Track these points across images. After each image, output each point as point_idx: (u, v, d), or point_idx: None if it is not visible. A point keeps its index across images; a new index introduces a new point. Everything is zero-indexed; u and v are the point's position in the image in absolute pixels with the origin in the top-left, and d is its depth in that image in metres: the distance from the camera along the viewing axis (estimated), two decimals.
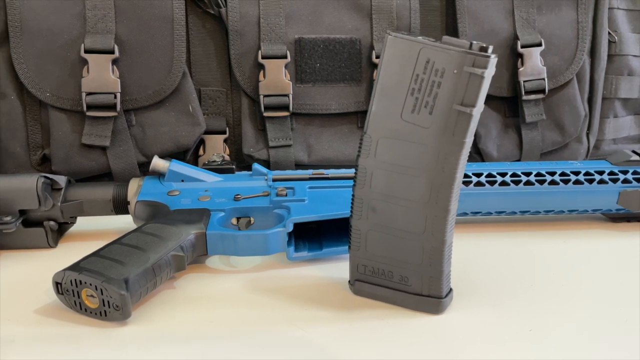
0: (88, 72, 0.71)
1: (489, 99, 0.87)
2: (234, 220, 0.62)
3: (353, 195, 0.52)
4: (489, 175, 0.68)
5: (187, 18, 0.77)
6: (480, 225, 0.71)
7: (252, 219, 0.63)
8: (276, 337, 0.47)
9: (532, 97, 0.85)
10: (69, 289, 0.49)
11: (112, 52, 0.71)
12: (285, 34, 0.77)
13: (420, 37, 0.46)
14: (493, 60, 0.45)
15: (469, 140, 0.47)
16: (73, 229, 0.69)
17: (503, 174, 0.68)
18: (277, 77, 0.77)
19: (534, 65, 0.84)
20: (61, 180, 0.65)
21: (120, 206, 0.65)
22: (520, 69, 0.84)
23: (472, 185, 0.67)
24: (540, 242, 0.66)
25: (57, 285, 0.50)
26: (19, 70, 0.71)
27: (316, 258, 0.60)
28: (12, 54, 0.70)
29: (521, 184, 0.68)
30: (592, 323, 0.49)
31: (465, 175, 0.68)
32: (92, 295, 0.49)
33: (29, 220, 0.63)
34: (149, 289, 0.51)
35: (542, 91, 0.85)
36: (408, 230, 0.50)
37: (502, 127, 0.87)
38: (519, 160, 0.88)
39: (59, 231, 0.66)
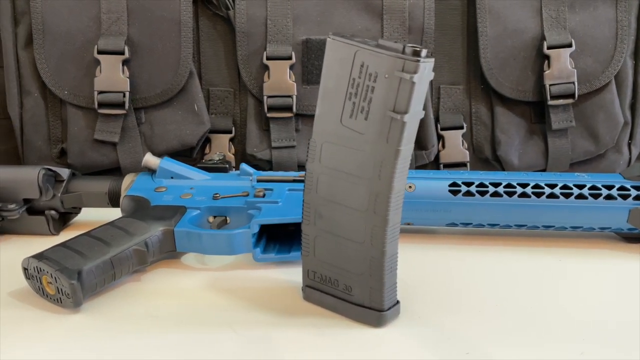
0: (100, 72, 0.75)
1: (512, 103, 0.82)
2: (210, 219, 0.64)
3: (303, 200, 0.51)
4: (481, 185, 0.64)
5: (198, 20, 0.79)
6: (471, 237, 0.67)
7: (228, 218, 0.64)
8: (206, 337, 0.48)
9: (560, 102, 0.79)
10: (33, 274, 0.53)
11: (123, 53, 0.75)
12: (292, 35, 0.78)
13: (357, 40, 0.45)
14: (424, 64, 0.42)
15: (405, 149, 0.45)
16: (77, 218, 0.73)
17: (496, 184, 0.64)
18: (281, 78, 0.77)
19: (562, 68, 0.78)
20: (64, 172, 0.69)
21: (114, 199, 0.69)
22: (547, 72, 0.79)
23: (460, 194, 0.64)
24: (532, 259, 0.62)
25: (25, 271, 0.54)
26: (41, 70, 0.76)
27: (284, 261, 0.60)
28: (35, 55, 0.76)
29: (515, 196, 0.63)
30: (539, 353, 0.45)
31: (455, 184, 0.64)
32: (50, 282, 0.52)
33: (32, 209, 0.68)
34: (106, 280, 0.54)
35: (571, 96, 0.79)
36: (350, 238, 0.49)
37: (526, 134, 0.82)
38: (544, 170, 0.82)
39: (62, 220, 0.71)
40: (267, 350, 0.46)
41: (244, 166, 0.68)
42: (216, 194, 0.64)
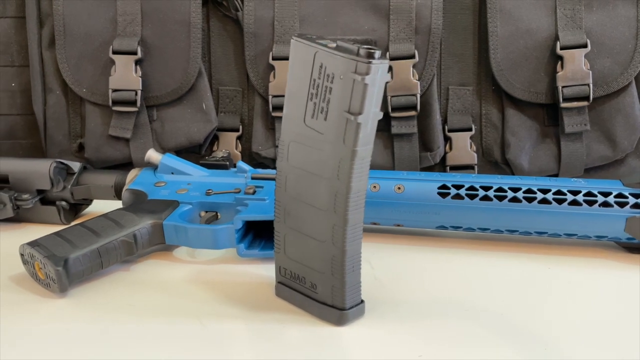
0: (115, 71, 0.79)
1: (524, 105, 0.80)
2: (202, 214, 0.66)
3: (275, 198, 0.52)
4: (471, 188, 0.63)
5: (209, 21, 0.82)
6: (462, 240, 0.66)
7: (218, 213, 0.66)
8: (172, 327, 0.49)
9: (574, 104, 0.76)
10: (28, 260, 0.57)
11: (135, 53, 0.78)
12: None
13: (317, 41, 0.45)
14: (377, 66, 0.42)
15: (362, 149, 0.45)
16: (89, 209, 0.77)
17: (487, 188, 0.63)
18: (285, 79, 0.78)
19: (576, 69, 0.76)
20: (75, 166, 0.73)
21: (120, 192, 0.72)
22: (559, 73, 0.76)
23: (449, 197, 0.63)
24: (520, 265, 0.60)
25: (22, 256, 0.58)
26: (62, 69, 0.81)
27: (269, 257, 0.61)
28: (57, 55, 0.81)
29: (505, 200, 0.62)
30: (493, 356, 0.44)
31: (444, 187, 0.64)
32: (41, 268, 0.56)
33: (45, 199, 0.73)
34: (93, 268, 0.57)
35: (586, 98, 0.76)
36: (314, 237, 0.49)
37: (538, 137, 0.80)
38: (556, 175, 0.80)
39: (74, 211, 0.75)
40: (224, 341, 0.47)
41: (241, 164, 0.70)
42: (209, 190, 0.66)
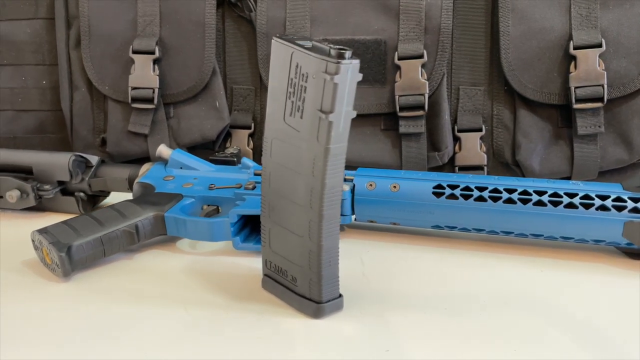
0: (134, 70, 0.83)
1: (537, 106, 0.79)
2: (204, 207, 0.68)
3: (261, 193, 0.54)
4: (466, 188, 0.63)
5: (225, 22, 0.84)
6: (456, 241, 0.66)
7: (220, 207, 0.68)
8: (157, 312, 0.52)
9: (588, 105, 0.75)
10: (38, 246, 0.61)
11: (153, 53, 0.82)
12: (309, 35, 0.80)
13: (295, 42, 0.47)
14: (346, 67, 0.43)
15: (335, 147, 0.46)
16: (107, 200, 0.81)
17: (482, 189, 0.62)
18: None
19: (590, 70, 0.74)
20: (93, 159, 0.78)
21: (133, 185, 0.76)
22: (572, 74, 0.75)
23: (444, 197, 0.63)
24: (513, 267, 0.60)
25: (33, 242, 0.62)
26: (87, 68, 0.85)
27: None
28: (82, 54, 0.85)
29: (500, 201, 0.61)
30: (460, 355, 0.44)
31: (439, 186, 0.64)
32: (48, 253, 0.59)
33: (65, 190, 0.77)
34: (96, 255, 0.60)
35: (600, 99, 0.74)
36: (294, 231, 0.51)
37: (551, 139, 0.78)
38: (569, 177, 0.78)
39: (92, 202, 0.79)
40: (201, 327, 0.50)
41: (245, 160, 0.72)
42: (212, 184, 0.69)
